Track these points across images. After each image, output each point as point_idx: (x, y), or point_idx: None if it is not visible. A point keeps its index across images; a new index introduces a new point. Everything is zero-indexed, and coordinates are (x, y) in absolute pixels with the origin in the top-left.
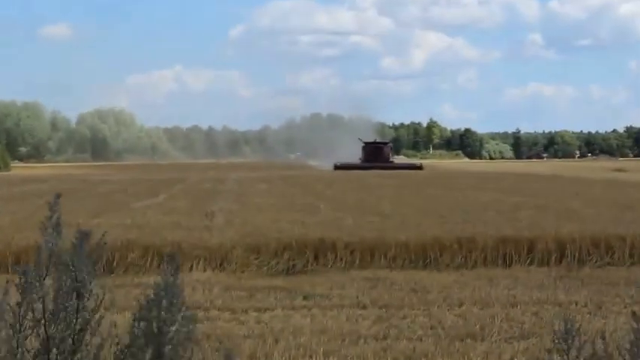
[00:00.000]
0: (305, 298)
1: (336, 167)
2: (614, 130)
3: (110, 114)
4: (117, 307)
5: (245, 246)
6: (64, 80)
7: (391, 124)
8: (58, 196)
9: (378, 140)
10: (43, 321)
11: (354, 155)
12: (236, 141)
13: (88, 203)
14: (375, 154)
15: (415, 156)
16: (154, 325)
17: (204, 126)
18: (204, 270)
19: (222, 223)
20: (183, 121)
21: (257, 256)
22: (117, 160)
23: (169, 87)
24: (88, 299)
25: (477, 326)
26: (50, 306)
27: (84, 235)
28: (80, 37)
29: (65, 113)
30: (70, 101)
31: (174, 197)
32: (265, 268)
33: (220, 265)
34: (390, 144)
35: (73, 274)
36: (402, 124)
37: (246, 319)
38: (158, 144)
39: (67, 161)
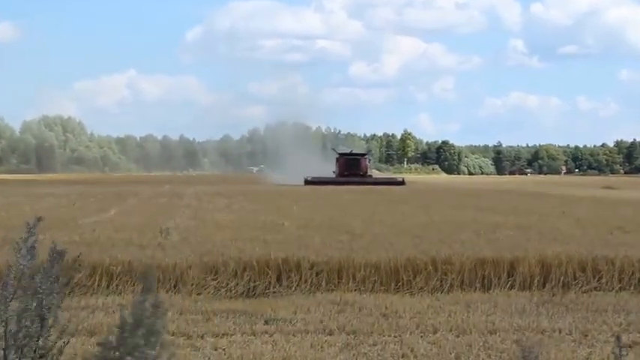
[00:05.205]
0: (266, 322)
1: (307, 182)
2: (604, 145)
3: (57, 121)
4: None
5: (202, 266)
6: (6, 85)
7: (362, 135)
8: (39, 219)
9: (354, 151)
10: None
11: (326, 169)
12: (194, 152)
13: (32, 218)
14: (351, 167)
15: (388, 170)
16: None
17: (159, 135)
18: (157, 291)
19: (177, 241)
20: (136, 130)
21: (215, 277)
22: (64, 171)
23: (121, 93)
24: (53, 326)
25: (453, 355)
26: (13, 329)
27: (57, 255)
28: (24, 37)
29: (8, 120)
30: (13, 107)
31: (125, 212)
32: (224, 290)
33: (175, 286)
34: (368, 155)
35: (39, 297)
36: (374, 136)
37: (202, 345)
38: (109, 154)
39: (9, 172)
